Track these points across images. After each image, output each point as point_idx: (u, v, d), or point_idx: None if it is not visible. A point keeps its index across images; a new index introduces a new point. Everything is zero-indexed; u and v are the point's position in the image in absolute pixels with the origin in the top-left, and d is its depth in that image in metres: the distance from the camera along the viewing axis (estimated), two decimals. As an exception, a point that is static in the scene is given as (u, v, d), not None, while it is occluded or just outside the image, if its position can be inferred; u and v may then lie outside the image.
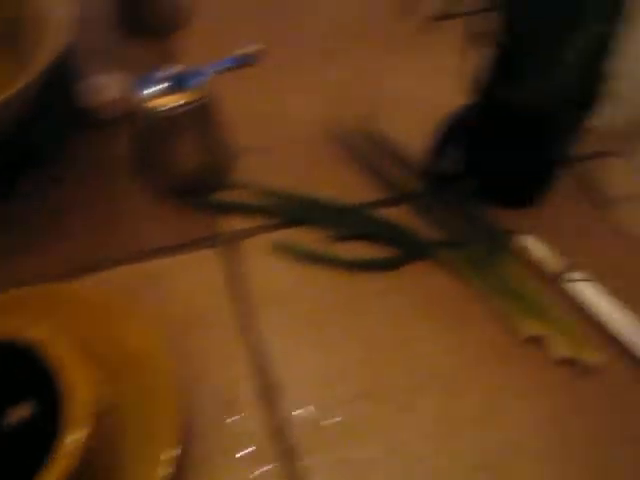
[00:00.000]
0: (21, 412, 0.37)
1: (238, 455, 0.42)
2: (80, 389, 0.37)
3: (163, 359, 0.43)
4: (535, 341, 0.48)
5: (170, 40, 0.68)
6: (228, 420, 0.44)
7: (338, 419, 0.44)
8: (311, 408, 0.44)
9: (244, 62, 0.51)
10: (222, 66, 0.51)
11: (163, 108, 0.50)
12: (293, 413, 0.44)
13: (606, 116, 0.68)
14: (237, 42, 0.66)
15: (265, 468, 0.42)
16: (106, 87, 0.61)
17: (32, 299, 0.45)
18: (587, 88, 0.48)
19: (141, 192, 0.56)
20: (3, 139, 0.52)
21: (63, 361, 0.38)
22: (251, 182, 0.56)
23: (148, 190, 0.56)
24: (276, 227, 0.54)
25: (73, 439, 0.35)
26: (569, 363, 0.47)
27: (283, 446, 0.43)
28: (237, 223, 0.54)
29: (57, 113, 0.58)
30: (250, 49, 0.50)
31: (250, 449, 0.43)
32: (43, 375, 0.38)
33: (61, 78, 0.57)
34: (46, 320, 0.40)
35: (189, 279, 0.50)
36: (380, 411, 0.44)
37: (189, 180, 0.55)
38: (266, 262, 0.51)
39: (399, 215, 0.55)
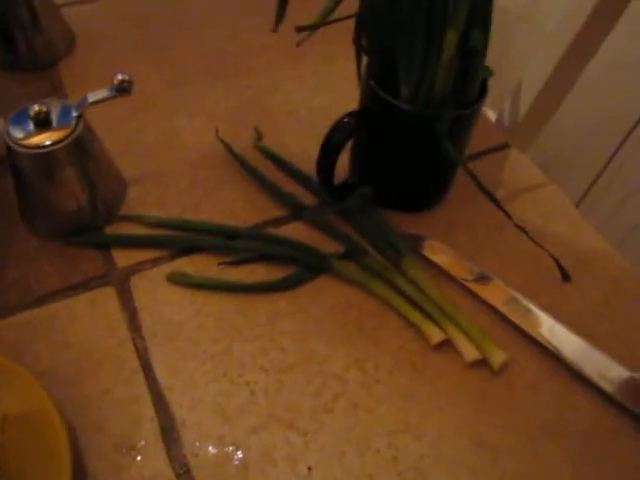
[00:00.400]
0: None
1: (141, 501, 0.40)
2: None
3: (50, 418, 0.40)
4: (445, 346, 0.48)
5: (51, 73, 0.67)
6: (130, 464, 0.41)
7: (241, 452, 0.42)
8: (213, 444, 0.43)
9: (117, 92, 0.49)
10: (95, 97, 0.49)
11: (35, 148, 0.48)
12: (196, 451, 0.42)
13: (503, 110, 0.69)
14: (119, 69, 0.64)
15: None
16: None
17: None
18: (463, 89, 0.48)
19: (28, 235, 0.54)
20: None
21: None
22: (142, 213, 0.54)
23: (35, 232, 0.54)
24: (170, 258, 0.52)
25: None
26: (480, 364, 0.47)
27: (187, 485, 0.41)
28: (130, 257, 0.52)
29: None
30: (122, 78, 0.48)
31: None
32: None
33: None
34: None
35: (83, 321, 0.48)
36: (288, 437, 0.43)
37: (74, 218, 0.53)
38: (162, 295, 0.50)
39: (298, 231, 0.54)
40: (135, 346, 0.47)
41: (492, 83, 0.51)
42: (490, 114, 0.73)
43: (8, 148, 0.49)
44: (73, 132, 0.49)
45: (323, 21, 0.44)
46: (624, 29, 0.65)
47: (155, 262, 0.52)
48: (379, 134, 0.51)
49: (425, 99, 0.47)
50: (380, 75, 0.49)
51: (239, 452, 0.42)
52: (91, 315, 0.49)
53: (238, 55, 0.71)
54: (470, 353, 0.47)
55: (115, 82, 0.49)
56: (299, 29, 0.43)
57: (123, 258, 0.52)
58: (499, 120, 0.71)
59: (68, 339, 0.47)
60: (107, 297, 0.50)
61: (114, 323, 0.48)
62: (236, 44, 0.73)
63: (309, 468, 0.42)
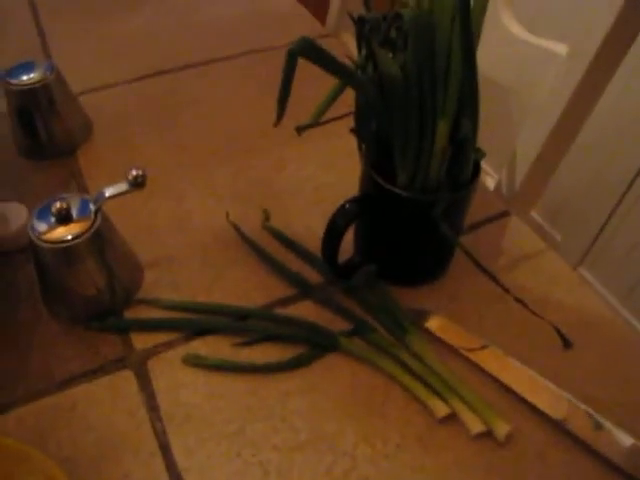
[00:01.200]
0: None
1: None
2: None
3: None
4: (451, 419, 0.49)
5: (70, 160, 0.70)
6: None
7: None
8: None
9: (132, 186, 0.52)
10: (112, 192, 0.53)
11: (56, 243, 0.51)
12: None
13: (501, 180, 0.72)
14: (135, 153, 0.68)
15: None
16: (7, 217, 0.62)
17: None
18: (457, 172, 0.51)
19: (50, 320, 0.56)
20: None
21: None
22: (158, 296, 0.57)
23: (57, 317, 0.56)
24: (185, 340, 0.55)
25: None
26: (486, 436, 0.48)
27: None
28: (147, 340, 0.55)
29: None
30: (136, 173, 0.52)
31: None
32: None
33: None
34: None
35: (103, 405, 0.51)
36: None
37: (94, 304, 0.56)
38: (178, 377, 0.52)
39: (306, 310, 0.56)
40: (153, 428, 0.49)
41: (488, 150, 0.53)
42: (489, 181, 0.76)
43: (31, 241, 0.52)
44: (92, 226, 0.52)
45: (318, 120, 0.47)
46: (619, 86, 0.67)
47: (171, 344, 0.54)
48: (379, 217, 0.54)
49: (421, 185, 0.50)
50: (378, 162, 0.52)
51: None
52: (111, 398, 0.51)
53: (249, 134, 0.75)
54: (475, 426, 0.48)
55: (130, 177, 0.53)
56: (299, 129, 0.46)
57: (141, 341, 0.55)
58: (497, 188, 0.73)
59: (89, 423, 0.50)
60: (126, 380, 0.52)
61: (133, 406, 0.50)
62: (247, 123, 0.77)
63: None
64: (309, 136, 0.50)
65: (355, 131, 0.52)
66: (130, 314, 0.57)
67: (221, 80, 0.85)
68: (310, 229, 0.63)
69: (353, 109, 0.51)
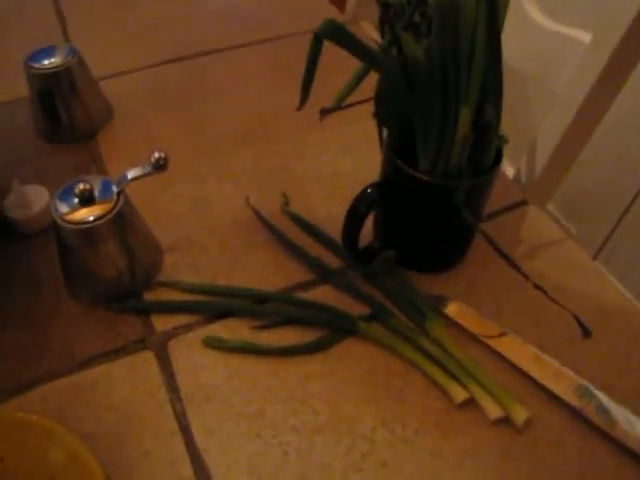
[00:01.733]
0: None
1: None
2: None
3: (93, 465, 0.43)
4: (470, 405, 0.49)
5: (90, 144, 0.71)
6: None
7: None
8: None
9: (154, 169, 0.53)
10: (134, 174, 0.53)
11: (79, 224, 0.51)
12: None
13: (520, 168, 0.72)
14: (155, 138, 0.69)
15: None
16: (29, 200, 0.62)
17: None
18: (479, 158, 0.51)
19: (70, 303, 0.57)
20: None
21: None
22: (178, 279, 0.57)
23: (78, 299, 0.57)
24: (204, 322, 0.55)
25: None
26: (504, 422, 0.48)
27: None
28: (167, 322, 0.55)
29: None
30: (159, 156, 0.52)
31: None
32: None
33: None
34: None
35: (123, 385, 0.51)
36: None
37: (115, 286, 0.56)
38: (198, 359, 0.53)
39: (325, 294, 0.57)
40: (173, 409, 0.50)
41: (509, 138, 0.53)
42: (508, 170, 0.76)
43: (54, 222, 0.53)
44: (114, 207, 0.53)
45: (341, 104, 0.47)
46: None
47: (190, 327, 0.55)
48: (400, 202, 0.54)
49: (442, 170, 0.50)
50: (400, 146, 0.52)
51: (274, 513, 0.44)
52: (131, 379, 0.51)
53: (267, 120, 0.76)
54: (493, 411, 0.49)
55: (152, 160, 0.53)
56: (322, 112, 0.47)
57: (161, 323, 0.55)
58: (517, 177, 0.73)
59: (110, 402, 0.50)
60: (146, 361, 0.53)
61: (153, 386, 0.51)
62: (266, 109, 0.77)
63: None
64: (329, 122, 0.50)
65: (377, 115, 0.51)
66: (150, 296, 0.57)
67: (240, 66, 0.86)
68: (330, 214, 0.63)
69: (374, 94, 0.50)
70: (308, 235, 0.61)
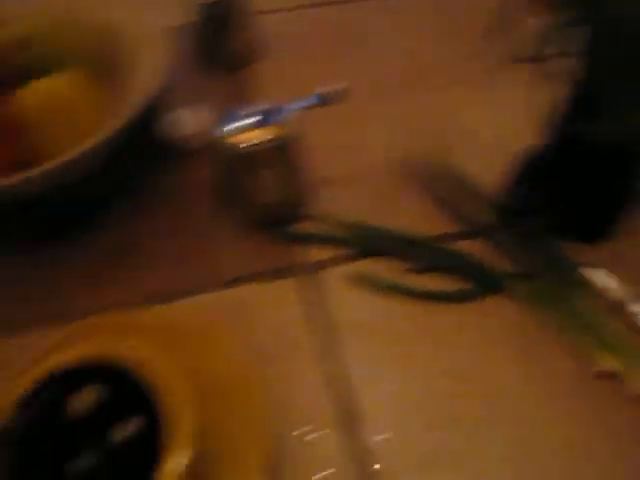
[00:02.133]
0: (125, 430, 0.38)
1: (316, 477, 0.43)
2: (182, 413, 0.38)
3: (253, 385, 0.44)
4: (608, 375, 0.48)
5: (246, 74, 0.72)
6: (313, 445, 0.45)
7: (416, 447, 0.44)
8: (390, 435, 0.45)
9: (327, 101, 0.53)
10: (306, 104, 0.53)
11: (246, 145, 0.52)
12: (372, 439, 0.45)
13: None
14: (315, 76, 0.68)
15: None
16: (188, 120, 0.64)
17: (125, 324, 0.47)
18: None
19: (222, 222, 0.58)
20: (92, 176, 0.56)
21: (165, 383, 0.39)
22: (328, 213, 0.58)
23: (229, 220, 0.58)
24: (353, 258, 0.55)
25: (175, 463, 0.36)
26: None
27: (361, 471, 0.43)
28: (315, 254, 0.56)
29: (141, 145, 0.61)
30: (334, 87, 0.52)
31: (329, 472, 0.44)
32: (147, 395, 0.40)
33: (147, 112, 0.60)
34: (144, 344, 0.42)
35: (270, 308, 0.52)
36: (457, 441, 0.45)
37: (269, 212, 0.57)
38: (344, 292, 0.53)
39: (472, 248, 0.56)
40: (321, 337, 0.50)
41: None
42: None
43: (219, 141, 0.53)
44: (279, 134, 0.53)
45: (541, 53, 0.45)
46: None
47: (340, 261, 0.55)
48: (568, 164, 0.52)
49: (620, 133, 0.48)
50: (576, 108, 0.50)
51: (417, 448, 0.44)
52: (280, 303, 0.52)
53: (427, 71, 0.74)
54: (637, 386, 0.47)
55: (321, 93, 0.53)
56: (516, 60, 0.45)
57: (311, 254, 0.56)
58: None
59: (258, 322, 0.51)
60: (295, 288, 0.53)
61: (301, 313, 0.52)
62: (426, 60, 0.76)
63: (477, 472, 0.43)
64: (489, 80, 0.49)
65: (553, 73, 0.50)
66: (301, 227, 0.58)
67: (401, 14, 0.84)
68: (481, 171, 0.61)
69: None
70: (457, 188, 0.60)
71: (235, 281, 0.54)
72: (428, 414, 0.46)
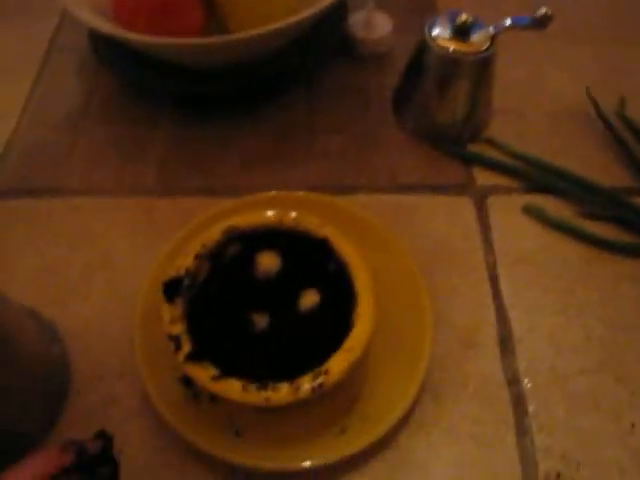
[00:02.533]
0: (312, 298, 0.40)
1: (470, 391, 0.44)
2: (366, 288, 0.39)
3: (422, 290, 0.45)
4: None
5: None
6: (468, 358, 0.45)
7: (569, 385, 0.44)
8: (544, 369, 0.45)
9: (534, 24, 0.51)
10: (513, 24, 0.52)
11: (451, 51, 0.51)
12: (528, 369, 0.45)
13: None
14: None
15: (494, 410, 0.43)
16: (373, 24, 0.63)
17: (310, 203, 0.48)
18: None
19: (396, 128, 0.58)
20: (272, 57, 0.56)
21: (352, 260, 0.40)
22: (505, 142, 0.57)
23: (404, 127, 0.58)
24: (525, 190, 0.54)
25: (361, 332, 0.37)
26: None
27: (514, 395, 0.44)
28: (488, 178, 0.55)
29: (326, 39, 0.61)
30: (544, 12, 0.50)
31: (482, 388, 0.44)
32: (332, 268, 0.41)
33: (337, 7, 0.59)
34: (329, 223, 0.43)
35: (439, 220, 0.52)
36: (616, 390, 0.44)
37: (446, 127, 0.57)
38: (513, 221, 0.52)
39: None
40: (485, 258, 0.50)
41: None
42: None
43: (422, 44, 0.53)
44: (486, 50, 0.52)
45: None
46: None
47: (511, 190, 0.54)
48: None
49: None
50: None
51: (566, 385, 0.44)
52: (449, 217, 0.52)
53: (620, 21, 0.71)
54: None
55: (537, 15, 0.51)
56: None
57: (482, 177, 0.55)
58: None
59: (426, 231, 0.51)
60: (464, 206, 0.53)
61: (468, 232, 0.52)
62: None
63: (632, 425, 0.43)
64: None
65: None
66: (474, 150, 0.57)
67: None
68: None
69: None
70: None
71: (406, 187, 0.54)
72: (581, 356, 0.46)
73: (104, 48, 0.59)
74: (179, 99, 0.61)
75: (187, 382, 0.41)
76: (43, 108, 0.62)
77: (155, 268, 0.46)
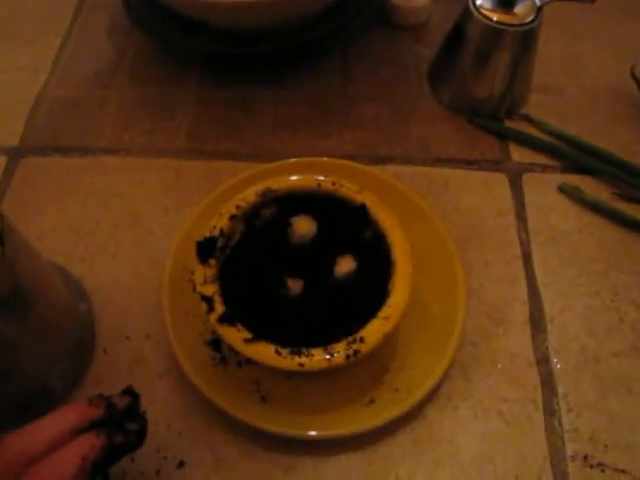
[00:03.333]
0: (348, 264, 0.39)
1: (500, 368, 0.43)
2: (404, 257, 0.38)
3: (456, 264, 0.44)
4: None
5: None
6: (498, 335, 0.44)
7: (600, 367, 0.44)
8: (575, 349, 0.44)
9: (584, -2, 0.50)
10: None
11: (496, 21, 0.50)
12: (559, 349, 0.44)
13: None
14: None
15: (523, 388, 0.43)
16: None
17: (346, 171, 0.47)
18: None
19: (432, 100, 0.57)
20: (305, 23, 0.55)
21: (390, 228, 0.39)
22: (543, 120, 0.56)
23: (440, 100, 0.57)
24: (562, 170, 0.53)
25: (398, 301, 0.37)
26: None
27: (544, 374, 0.43)
28: (524, 155, 0.54)
29: (362, 6, 0.59)
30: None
31: (511, 366, 0.43)
32: (369, 235, 0.40)
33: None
34: (366, 191, 0.42)
35: (474, 195, 0.51)
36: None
37: (483, 101, 0.55)
38: (548, 200, 0.52)
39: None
40: (519, 236, 0.49)
41: None
42: None
43: (466, 12, 0.51)
44: (531, 22, 0.50)
45: None
46: None
47: (547, 168, 0.53)
48: None
49: None
50: None
51: (597, 367, 0.44)
52: (482, 192, 0.51)
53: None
54: None
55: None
56: None
57: (518, 154, 0.54)
58: None
59: (459, 205, 0.51)
60: (499, 183, 0.52)
61: (503, 208, 0.51)
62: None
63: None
64: None
65: None
66: (511, 126, 0.56)
67: None
68: None
69: None
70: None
71: (441, 161, 0.53)
72: (614, 339, 0.45)
73: (136, 6, 0.58)
74: (210, 60, 0.60)
75: (215, 345, 0.41)
76: (73, 66, 0.61)
77: (185, 230, 0.45)
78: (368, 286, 0.38)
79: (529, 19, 0.50)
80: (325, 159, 0.49)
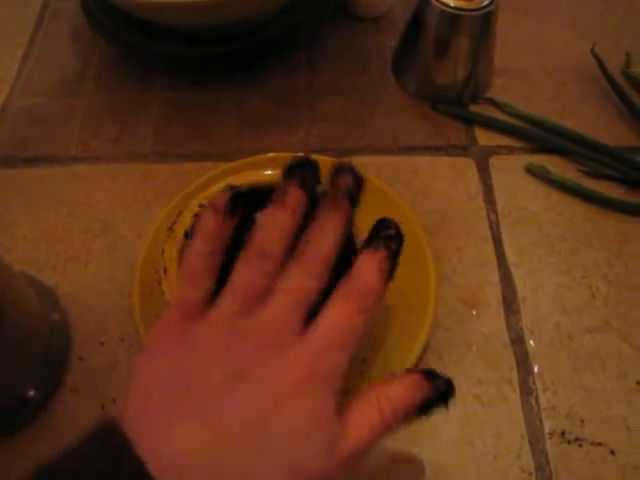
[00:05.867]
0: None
1: (474, 351, 0.44)
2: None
3: (427, 251, 0.44)
4: None
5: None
6: (472, 318, 0.45)
7: (574, 344, 0.44)
8: (549, 328, 0.45)
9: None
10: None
11: (452, 8, 0.50)
12: (532, 328, 0.45)
13: None
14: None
15: (498, 369, 0.43)
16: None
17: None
18: None
19: (397, 89, 0.57)
20: (266, 19, 0.55)
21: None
22: (507, 102, 0.56)
23: (405, 88, 0.57)
24: (528, 151, 0.54)
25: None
26: None
27: (519, 354, 0.44)
28: (490, 138, 0.54)
29: (323, 1, 0.59)
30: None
31: (486, 348, 0.44)
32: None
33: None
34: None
35: (442, 181, 0.52)
36: (621, 348, 0.44)
37: (446, 88, 0.56)
38: (516, 181, 0.52)
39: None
40: (488, 218, 0.50)
41: None
42: None
43: (422, 1, 0.52)
44: (488, 5, 0.51)
45: None
46: None
47: (513, 150, 0.54)
48: None
49: None
50: None
51: (571, 344, 0.44)
52: (450, 178, 0.52)
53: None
54: None
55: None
56: None
57: (483, 137, 0.54)
58: None
59: (428, 192, 0.51)
60: (466, 167, 0.52)
61: (471, 192, 0.51)
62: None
63: (637, 382, 0.43)
64: None
65: None
66: (476, 110, 0.56)
67: None
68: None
69: None
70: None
71: (407, 149, 0.53)
72: (586, 315, 0.45)
73: (96, 12, 0.58)
74: (173, 62, 0.60)
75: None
76: (37, 75, 0.61)
77: (154, 232, 0.45)
78: (334, 277, 0.38)
79: (486, 3, 0.51)
80: (290, 153, 0.49)
